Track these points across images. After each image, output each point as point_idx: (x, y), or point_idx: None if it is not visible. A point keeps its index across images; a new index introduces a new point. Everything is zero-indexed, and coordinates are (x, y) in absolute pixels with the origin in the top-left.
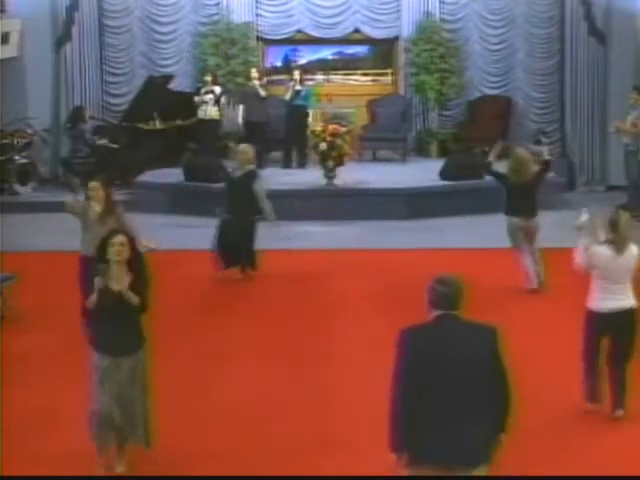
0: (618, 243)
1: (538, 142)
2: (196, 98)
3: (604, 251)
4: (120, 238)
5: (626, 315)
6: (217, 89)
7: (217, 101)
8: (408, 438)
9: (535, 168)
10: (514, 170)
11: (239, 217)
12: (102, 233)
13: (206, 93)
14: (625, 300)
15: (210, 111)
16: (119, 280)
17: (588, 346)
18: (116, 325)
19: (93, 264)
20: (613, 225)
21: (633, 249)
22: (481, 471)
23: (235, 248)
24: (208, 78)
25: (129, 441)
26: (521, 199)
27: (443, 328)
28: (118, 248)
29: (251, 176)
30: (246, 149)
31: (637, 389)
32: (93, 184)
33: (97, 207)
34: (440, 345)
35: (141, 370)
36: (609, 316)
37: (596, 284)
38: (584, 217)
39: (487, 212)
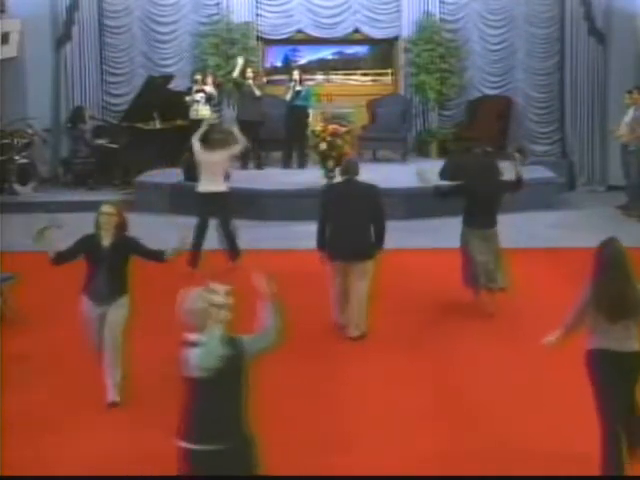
0: None
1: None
2: (187, 98)
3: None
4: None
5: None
6: (208, 88)
7: (209, 100)
8: (325, 244)
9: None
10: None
11: None
12: None
13: (197, 92)
14: None
15: (201, 110)
16: None
17: None
18: None
19: None
20: None
21: None
22: (368, 264)
23: None
24: (198, 77)
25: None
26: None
27: (347, 183)
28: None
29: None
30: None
31: None
32: None
33: None
34: (344, 192)
35: None
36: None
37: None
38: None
39: None
